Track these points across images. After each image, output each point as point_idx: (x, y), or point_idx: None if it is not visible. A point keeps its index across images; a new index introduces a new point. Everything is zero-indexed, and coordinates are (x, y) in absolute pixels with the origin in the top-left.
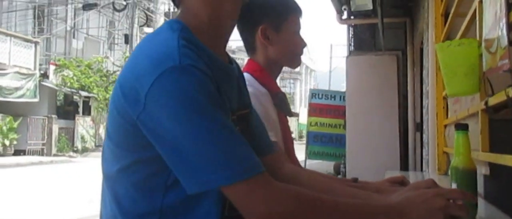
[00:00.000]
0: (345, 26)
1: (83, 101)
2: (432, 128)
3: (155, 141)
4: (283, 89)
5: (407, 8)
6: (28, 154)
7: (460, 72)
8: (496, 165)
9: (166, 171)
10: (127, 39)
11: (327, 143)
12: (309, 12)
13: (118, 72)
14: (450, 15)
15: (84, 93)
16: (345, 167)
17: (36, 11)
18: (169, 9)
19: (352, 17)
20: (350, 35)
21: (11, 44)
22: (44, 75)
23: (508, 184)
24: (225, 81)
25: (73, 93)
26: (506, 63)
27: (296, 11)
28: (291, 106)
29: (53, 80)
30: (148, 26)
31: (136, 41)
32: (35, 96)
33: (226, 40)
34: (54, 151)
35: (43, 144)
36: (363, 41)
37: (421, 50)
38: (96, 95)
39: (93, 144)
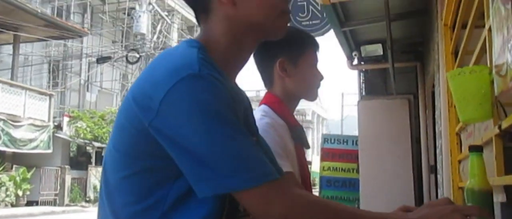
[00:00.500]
0: (355, 74)
1: (96, 152)
2: (446, 166)
3: (168, 145)
4: None
5: (418, 53)
6: (40, 204)
7: (472, 99)
8: None
9: (169, 181)
10: None
11: (340, 187)
12: (319, 61)
13: None
14: (460, 52)
15: (97, 144)
16: None
17: (51, 65)
18: None
19: (362, 62)
20: (361, 80)
21: (26, 97)
22: (58, 127)
23: None
24: (237, 102)
25: (86, 144)
26: None
27: (313, 45)
28: None
29: (66, 131)
30: None
31: None
32: (48, 147)
33: (238, 72)
34: (66, 201)
35: (55, 194)
36: (374, 85)
37: (433, 93)
38: None
39: None
